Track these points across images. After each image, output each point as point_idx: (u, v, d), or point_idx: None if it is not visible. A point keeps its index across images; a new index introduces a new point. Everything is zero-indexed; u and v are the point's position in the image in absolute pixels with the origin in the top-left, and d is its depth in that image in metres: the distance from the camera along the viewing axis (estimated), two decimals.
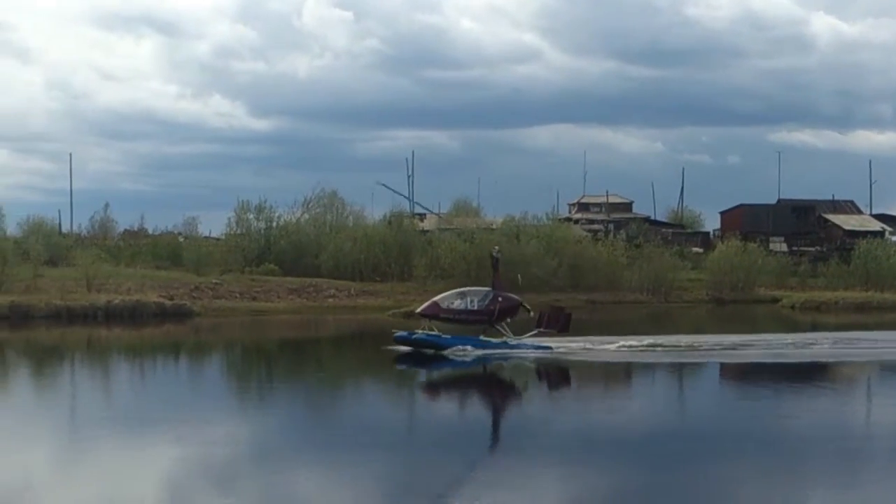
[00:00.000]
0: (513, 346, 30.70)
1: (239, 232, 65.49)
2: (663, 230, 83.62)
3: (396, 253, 63.49)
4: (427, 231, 71.40)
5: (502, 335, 31.08)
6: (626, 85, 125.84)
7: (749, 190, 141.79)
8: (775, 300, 62.97)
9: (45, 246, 56.02)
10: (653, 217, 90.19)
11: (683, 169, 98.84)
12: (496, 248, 33.97)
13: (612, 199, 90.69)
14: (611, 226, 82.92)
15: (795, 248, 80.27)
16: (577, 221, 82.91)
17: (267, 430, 19.14)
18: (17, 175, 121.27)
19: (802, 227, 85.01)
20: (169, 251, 61.38)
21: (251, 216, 66.41)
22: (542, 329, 31.47)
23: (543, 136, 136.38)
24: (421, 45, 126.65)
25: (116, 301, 46.88)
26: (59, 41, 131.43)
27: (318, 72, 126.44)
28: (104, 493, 13.97)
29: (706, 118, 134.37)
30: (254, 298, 52.31)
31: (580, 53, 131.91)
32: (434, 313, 31.27)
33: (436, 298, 32.29)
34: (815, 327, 43.87)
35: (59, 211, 76.36)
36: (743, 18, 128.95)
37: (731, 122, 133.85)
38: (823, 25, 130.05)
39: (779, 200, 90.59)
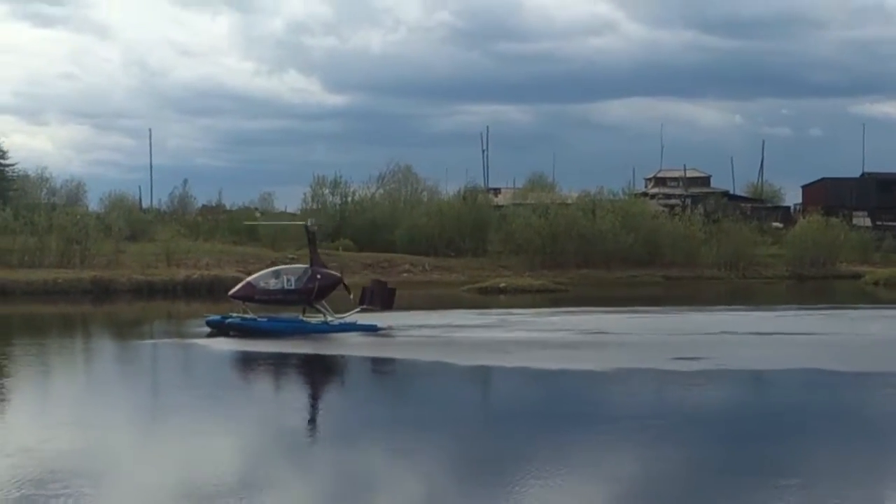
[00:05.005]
0: (335, 327, 28.77)
1: (314, 207, 65.99)
2: (742, 205, 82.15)
3: (471, 228, 63.39)
4: (501, 206, 71.16)
5: (323, 314, 29.13)
6: (704, 56, 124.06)
7: (832, 163, 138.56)
8: (857, 276, 61.46)
9: (127, 221, 57.13)
10: (732, 191, 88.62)
11: (763, 142, 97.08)
12: (311, 220, 32.02)
13: (689, 174, 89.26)
14: (688, 200, 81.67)
15: (880, 223, 78.20)
16: (653, 196, 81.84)
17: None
18: (98, 151, 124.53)
19: (887, 201, 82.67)
20: (246, 226, 62.14)
21: (326, 191, 66.94)
22: (365, 306, 29.61)
23: (619, 109, 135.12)
24: (493, 18, 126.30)
25: (195, 276, 47.62)
26: (136, 17, 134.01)
27: (391, 46, 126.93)
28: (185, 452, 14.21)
29: (786, 90, 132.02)
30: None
31: (656, 24, 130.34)
32: (249, 295, 28.91)
33: (249, 279, 30.05)
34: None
35: (140, 187, 78.20)
36: None
37: (813, 93, 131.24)
38: None
39: (863, 174, 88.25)
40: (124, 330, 34.00)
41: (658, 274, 60.23)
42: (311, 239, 30.21)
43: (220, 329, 28.75)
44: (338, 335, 28.26)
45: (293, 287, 29.00)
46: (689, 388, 20.38)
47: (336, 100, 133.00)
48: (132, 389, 21.01)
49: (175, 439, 15.41)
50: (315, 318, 29.33)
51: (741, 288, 56.63)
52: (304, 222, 31.66)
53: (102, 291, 45.05)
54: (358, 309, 29.75)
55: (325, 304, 29.44)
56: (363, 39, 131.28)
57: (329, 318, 29.20)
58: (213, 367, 24.28)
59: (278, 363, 24.71)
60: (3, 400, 19.27)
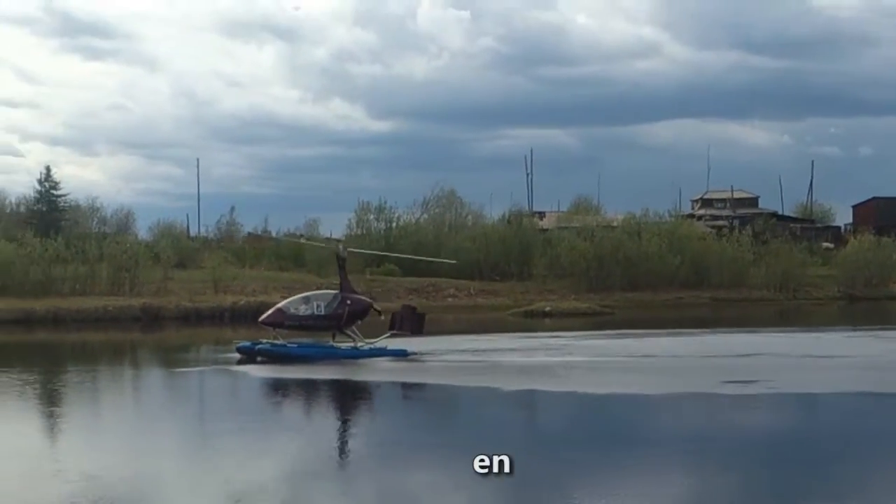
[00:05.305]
0: (365, 352, 28.74)
1: (359, 233, 66.19)
2: (791, 225, 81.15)
3: (516, 252, 63.23)
4: (546, 230, 70.94)
5: (353, 340, 29.06)
6: (751, 77, 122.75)
7: (883, 182, 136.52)
8: None
9: (175, 249, 57.69)
10: (780, 212, 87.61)
11: (812, 162, 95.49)
12: (341, 245, 31.99)
13: (737, 195, 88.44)
14: (736, 222, 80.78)
15: None
16: (700, 218, 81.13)
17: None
18: (147, 181, 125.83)
19: None
20: (292, 253, 62.48)
21: (371, 217, 67.12)
22: (395, 331, 29.51)
23: (665, 131, 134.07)
24: (537, 43, 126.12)
25: (241, 302, 47.96)
26: (184, 49, 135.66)
27: (435, 73, 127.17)
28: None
29: (835, 109, 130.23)
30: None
31: (701, 46, 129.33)
32: (278, 321, 28.97)
33: (279, 305, 30.08)
34: None
35: (188, 215, 79.01)
36: (872, 5, 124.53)
37: (862, 112, 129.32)
38: None
39: None
40: (170, 357, 34.30)
41: (705, 296, 59.63)
42: (341, 265, 30.31)
43: (249, 355, 28.82)
44: (368, 360, 28.27)
45: (323, 313, 29.02)
46: (740, 412, 20.10)
47: (380, 126, 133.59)
48: (178, 416, 21.21)
49: (224, 466, 15.46)
50: (345, 344, 29.32)
51: (791, 309, 55.90)
52: (336, 249, 31.80)
53: (152, 318, 45.53)
54: (388, 334, 29.76)
55: (355, 329, 29.45)
56: (407, 66, 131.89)
57: (359, 344, 29.20)
58: (251, 394, 24.45)
59: (312, 389, 24.78)
60: (61, 427, 19.55)
